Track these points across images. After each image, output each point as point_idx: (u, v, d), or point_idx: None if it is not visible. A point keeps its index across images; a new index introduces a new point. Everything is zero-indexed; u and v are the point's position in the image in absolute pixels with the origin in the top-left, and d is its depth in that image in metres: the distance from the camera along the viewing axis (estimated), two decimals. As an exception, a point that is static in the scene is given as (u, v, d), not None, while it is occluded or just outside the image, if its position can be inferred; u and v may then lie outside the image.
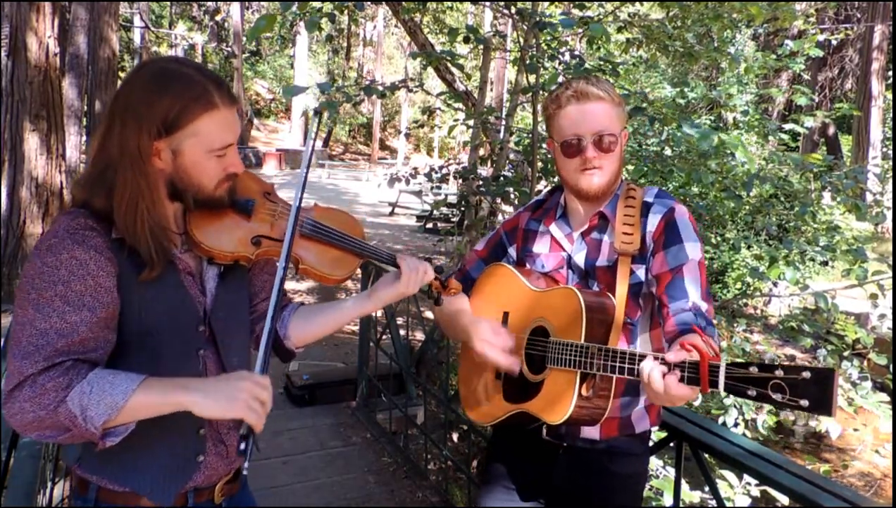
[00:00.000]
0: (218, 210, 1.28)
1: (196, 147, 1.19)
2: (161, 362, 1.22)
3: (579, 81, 1.57)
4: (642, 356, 1.27)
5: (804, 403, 1.03)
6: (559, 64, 4.56)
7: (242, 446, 1.13)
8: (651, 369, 1.23)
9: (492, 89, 16.93)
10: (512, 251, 1.76)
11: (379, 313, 4.60)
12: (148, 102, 1.16)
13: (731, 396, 1.17)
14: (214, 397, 1.11)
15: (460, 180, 5.97)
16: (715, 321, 1.47)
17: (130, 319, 1.19)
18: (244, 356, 1.42)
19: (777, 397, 1.05)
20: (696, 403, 4.38)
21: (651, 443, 1.92)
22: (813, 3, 13.40)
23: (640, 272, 1.54)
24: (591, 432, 1.60)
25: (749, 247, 8.43)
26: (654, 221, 1.54)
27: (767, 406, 4.29)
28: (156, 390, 1.11)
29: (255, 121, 31.54)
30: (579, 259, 1.62)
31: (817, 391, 1.02)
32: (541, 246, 1.70)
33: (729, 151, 4.55)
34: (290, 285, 7.83)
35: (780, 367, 1.06)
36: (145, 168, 1.17)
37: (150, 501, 1.27)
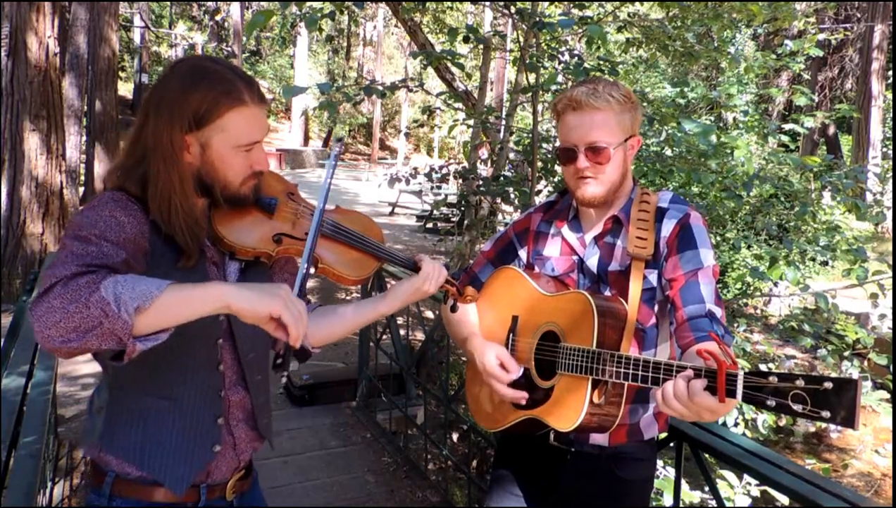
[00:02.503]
0: (242, 207, 1.31)
1: (223, 142, 1.23)
2: (179, 346, 1.23)
3: (578, 89, 1.53)
4: (657, 364, 1.25)
5: (825, 414, 1.00)
6: (559, 64, 4.56)
7: (280, 360, 1.16)
8: (673, 384, 1.17)
9: (492, 89, 16.92)
10: (523, 254, 1.74)
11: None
12: (180, 97, 1.20)
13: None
14: (251, 293, 1.09)
15: (460, 180, 5.97)
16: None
17: None
18: (262, 351, 1.44)
19: (797, 408, 1.02)
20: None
21: (651, 444, 1.91)
22: (813, 3, 13.41)
23: (653, 278, 1.52)
24: (599, 438, 1.59)
25: (749, 247, 8.43)
26: (668, 226, 1.52)
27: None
28: (190, 286, 1.08)
29: (255, 121, 31.44)
30: (592, 264, 1.60)
31: (839, 403, 0.99)
32: (551, 249, 1.67)
33: (729, 151, 4.55)
34: (290, 285, 7.80)
35: (801, 377, 1.03)
36: (177, 161, 1.21)
37: (164, 493, 1.29)
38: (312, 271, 1.39)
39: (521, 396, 1.53)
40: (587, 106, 1.51)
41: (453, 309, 1.58)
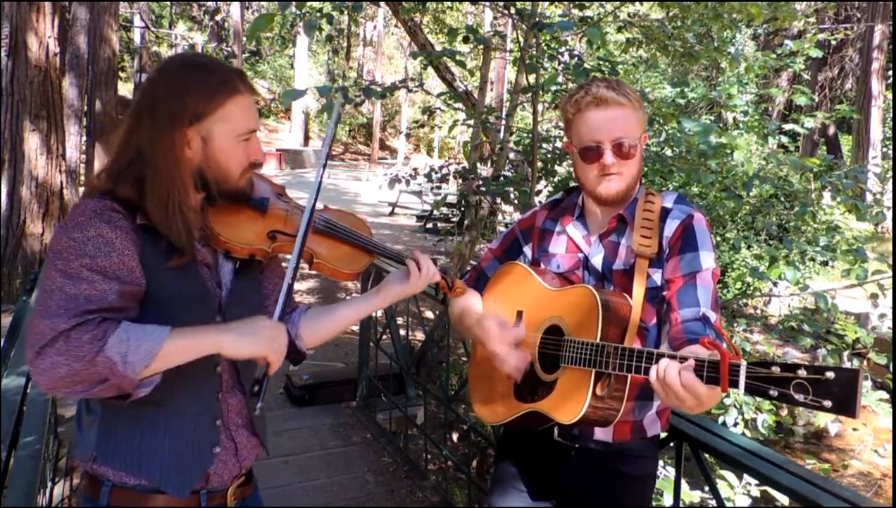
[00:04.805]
0: (235, 206, 1.33)
1: (225, 132, 1.25)
2: None
3: (599, 86, 1.53)
4: (659, 355, 1.26)
5: (827, 404, 1.01)
6: (559, 64, 4.56)
7: (257, 388, 1.26)
8: (667, 364, 1.21)
9: (492, 89, 16.91)
10: (527, 250, 1.75)
11: (379, 313, 4.60)
12: (177, 92, 1.21)
13: (747, 395, 1.15)
14: (241, 336, 1.19)
15: (460, 180, 5.97)
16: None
17: (149, 306, 1.21)
18: None
19: (800, 397, 1.04)
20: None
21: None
22: (813, 3, 13.41)
23: (657, 277, 1.53)
24: (603, 435, 1.60)
25: (749, 247, 8.43)
26: (672, 226, 1.53)
27: (767, 406, 4.28)
28: (187, 334, 1.15)
29: (255, 121, 31.42)
30: (597, 262, 1.61)
31: (841, 392, 1.00)
32: (557, 246, 1.69)
33: (729, 151, 4.56)
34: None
35: (803, 367, 1.04)
36: (177, 158, 1.22)
37: (163, 499, 1.27)
38: (307, 267, 1.43)
39: (521, 363, 1.54)
40: (612, 102, 1.51)
41: (444, 302, 1.60)
